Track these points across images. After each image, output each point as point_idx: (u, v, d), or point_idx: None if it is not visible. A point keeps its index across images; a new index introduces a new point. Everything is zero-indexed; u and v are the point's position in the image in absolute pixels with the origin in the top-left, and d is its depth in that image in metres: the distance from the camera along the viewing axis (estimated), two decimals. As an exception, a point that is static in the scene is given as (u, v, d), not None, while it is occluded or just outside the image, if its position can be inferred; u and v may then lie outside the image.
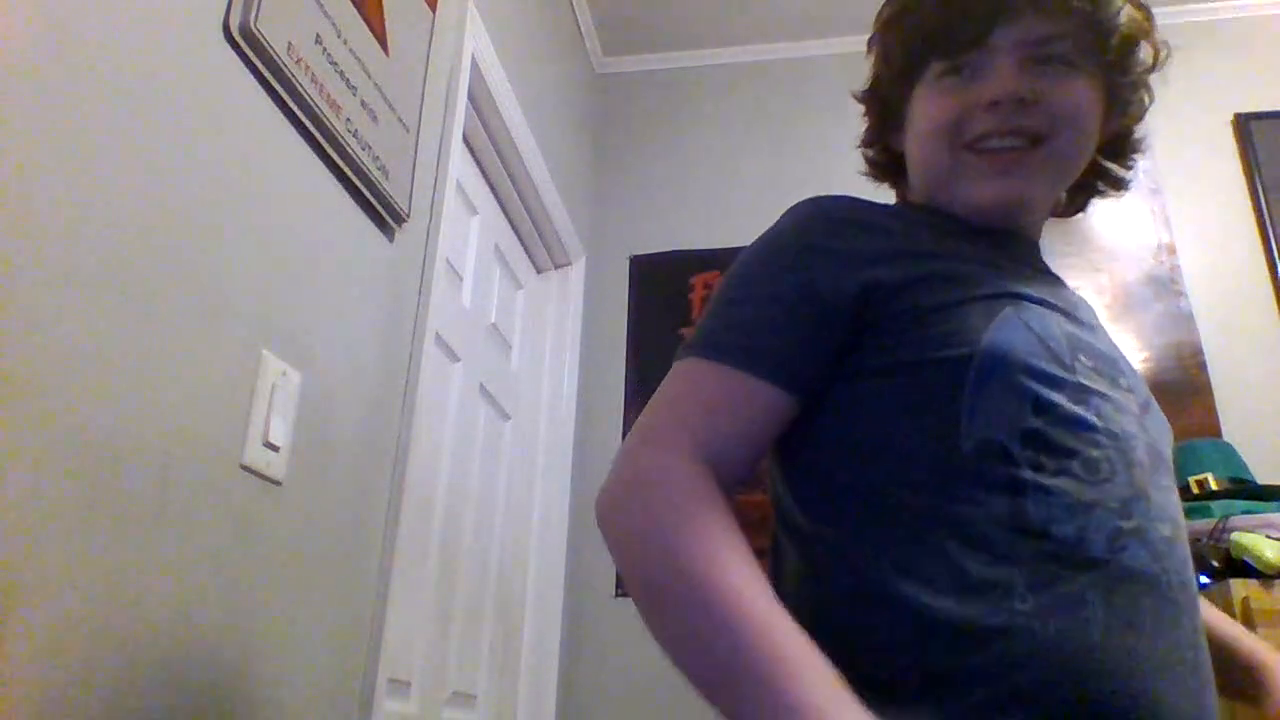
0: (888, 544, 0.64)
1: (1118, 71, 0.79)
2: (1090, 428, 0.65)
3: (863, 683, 0.61)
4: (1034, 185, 0.77)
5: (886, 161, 0.91)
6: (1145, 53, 0.80)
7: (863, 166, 0.94)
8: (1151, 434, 0.70)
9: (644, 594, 0.62)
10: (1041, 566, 0.60)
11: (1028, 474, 0.62)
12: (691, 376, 0.70)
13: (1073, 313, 0.74)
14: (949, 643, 0.59)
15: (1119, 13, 0.77)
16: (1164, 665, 0.59)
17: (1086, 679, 0.57)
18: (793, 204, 0.79)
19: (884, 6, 0.85)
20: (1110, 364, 0.71)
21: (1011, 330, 0.67)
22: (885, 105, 0.87)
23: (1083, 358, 0.69)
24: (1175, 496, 0.69)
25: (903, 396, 0.67)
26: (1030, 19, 0.75)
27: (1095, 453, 0.64)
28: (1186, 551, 0.67)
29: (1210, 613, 0.82)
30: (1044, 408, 0.64)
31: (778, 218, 0.79)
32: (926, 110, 0.80)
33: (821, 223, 0.75)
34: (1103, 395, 0.67)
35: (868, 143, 0.92)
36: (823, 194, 0.79)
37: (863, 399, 0.69)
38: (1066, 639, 0.58)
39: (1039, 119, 0.75)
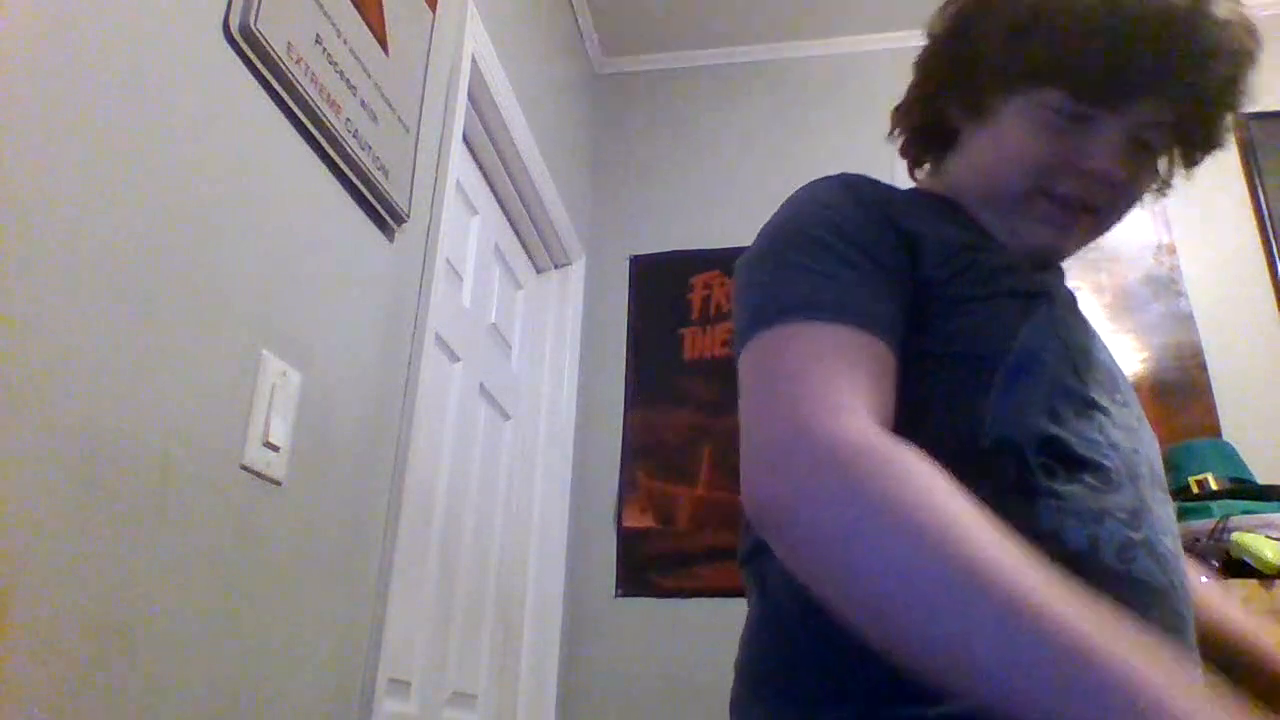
0: None
1: (1181, 166, 0.79)
2: (1099, 440, 0.65)
3: (839, 677, 0.60)
4: (1075, 244, 0.78)
5: (926, 124, 0.84)
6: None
7: (866, 156, 0.91)
8: (1147, 448, 0.71)
9: (900, 588, 0.50)
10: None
11: (1041, 479, 0.62)
12: (834, 342, 0.62)
13: (1083, 321, 0.75)
14: None
15: (1226, 128, 0.76)
16: None
17: None
18: (824, 178, 0.75)
19: None
20: (1110, 377, 0.72)
21: (1043, 335, 0.67)
22: (964, 72, 0.78)
23: (1094, 370, 0.69)
24: (1171, 510, 0.70)
25: (933, 387, 0.66)
26: (1166, 101, 0.72)
27: (1105, 463, 0.64)
28: (1185, 566, 0.67)
29: (1232, 610, 0.81)
30: (1061, 417, 0.64)
31: (813, 186, 0.74)
32: (1024, 136, 0.74)
33: (870, 197, 0.72)
34: (1106, 410, 0.68)
35: (921, 95, 0.83)
36: (850, 173, 0.76)
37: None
38: None
39: (1110, 197, 0.75)
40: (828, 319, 0.62)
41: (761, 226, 0.75)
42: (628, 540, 2.32)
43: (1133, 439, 0.69)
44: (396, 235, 1.39)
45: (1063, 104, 0.72)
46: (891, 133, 0.88)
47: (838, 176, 0.75)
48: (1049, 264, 0.80)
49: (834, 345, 0.61)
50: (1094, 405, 0.67)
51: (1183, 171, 0.79)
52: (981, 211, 0.78)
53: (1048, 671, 0.45)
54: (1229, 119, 0.75)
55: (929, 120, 0.82)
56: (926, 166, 0.88)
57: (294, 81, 1.08)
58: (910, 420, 0.65)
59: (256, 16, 1.00)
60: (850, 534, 0.51)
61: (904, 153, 0.88)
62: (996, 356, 0.66)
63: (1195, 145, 0.76)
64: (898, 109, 0.87)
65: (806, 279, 0.65)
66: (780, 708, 0.64)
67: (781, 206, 0.75)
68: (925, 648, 0.49)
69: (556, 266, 2.53)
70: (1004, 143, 0.75)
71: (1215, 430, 2.19)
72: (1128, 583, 0.60)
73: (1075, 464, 0.63)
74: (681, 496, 2.34)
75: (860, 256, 0.67)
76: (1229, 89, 0.73)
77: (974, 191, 0.79)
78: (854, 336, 0.62)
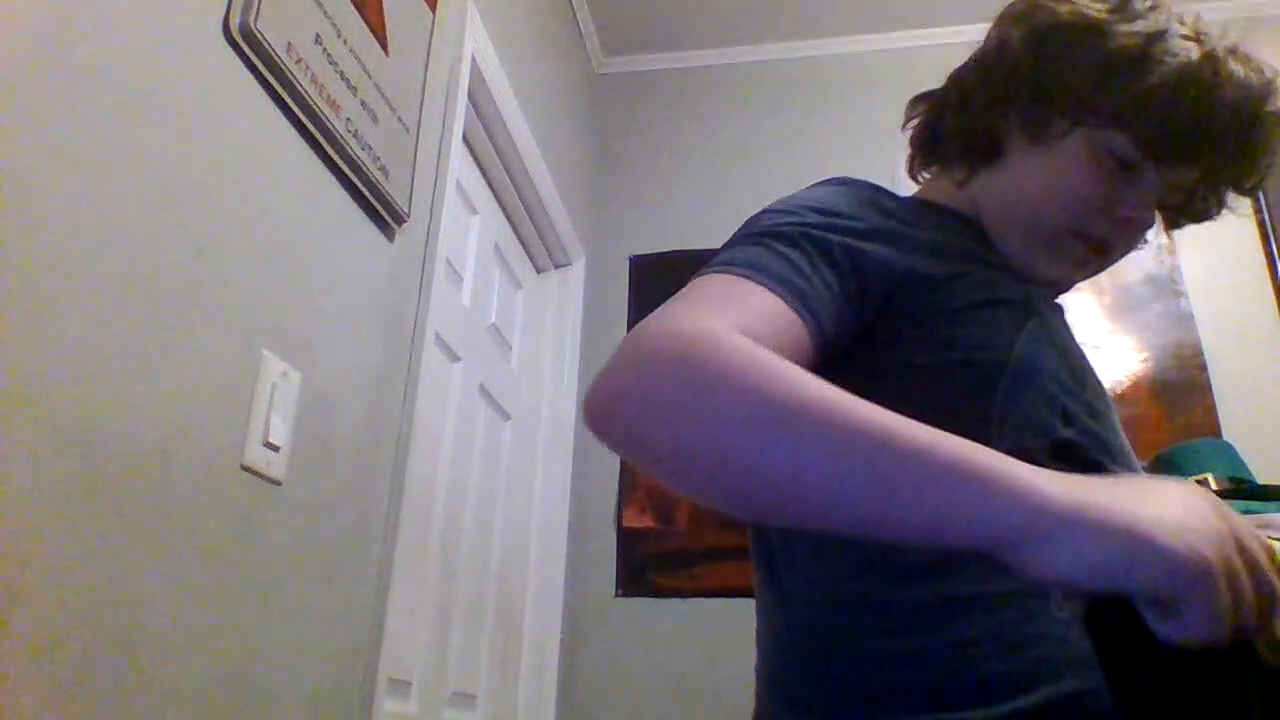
0: (910, 547, 0.61)
1: (1167, 225, 0.82)
2: (1107, 443, 0.66)
3: (876, 691, 0.60)
4: (1081, 280, 0.79)
5: (967, 129, 0.78)
6: None
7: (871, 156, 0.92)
8: (1133, 457, 0.71)
9: (739, 437, 0.48)
10: None
11: None
12: (733, 286, 0.62)
13: (1070, 331, 0.76)
14: (982, 649, 0.58)
15: (1225, 205, 0.78)
16: None
17: None
18: (839, 175, 0.76)
19: (1158, 40, 0.70)
20: (1098, 386, 0.73)
21: (1040, 343, 0.68)
22: (1039, 91, 0.74)
23: (1086, 378, 0.70)
24: None
25: (933, 396, 0.65)
26: (1201, 168, 0.73)
27: (1114, 467, 0.65)
28: None
29: None
30: (1071, 420, 0.65)
31: (815, 186, 0.74)
32: (1084, 173, 0.72)
33: (871, 197, 0.72)
34: (1103, 416, 0.69)
35: (976, 99, 0.77)
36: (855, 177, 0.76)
37: (891, 395, 0.67)
38: None
39: (1127, 244, 0.77)
40: (765, 284, 0.61)
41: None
42: (628, 540, 2.32)
43: (1124, 446, 0.70)
44: (396, 235, 1.39)
45: (1124, 150, 0.71)
46: (906, 123, 0.85)
47: (840, 178, 0.75)
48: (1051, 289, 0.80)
49: (759, 303, 0.60)
50: (1095, 411, 0.67)
51: (1164, 231, 0.82)
52: (1003, 232, 0.76)
53: (905, 473, 0.46)
54: (1230, 198, 0.78)
55: (974, 126, 0.78)
56: (933, 168, 0.85)
57: (294, 81, 1.08)
58: None
59: (256, 16, 1.00)
60: (688, 392, 0.50)
61: (917, 146, 0.85)
62: (997, 364, 0.65)
63: (1196, 213, 0.79)
64: (925, 101, 0.83)
65: (767, 255, 0.65)
66: None
67: (777, 201, 0.75)
68: (764, 483, 0.48)
69: (556, 266, 2.53)
70: (1060, 175, 0.73)
71: (1215, 430, 2.19)
72: None
73: (1086, 467, 0.63)
74: (681, 497, 2.33)
75: (829, 261, 0.65)
76: (1257, 176, 0.75)
77: (1006, 212, 0.76)
78: (783, 309, 0.60)
